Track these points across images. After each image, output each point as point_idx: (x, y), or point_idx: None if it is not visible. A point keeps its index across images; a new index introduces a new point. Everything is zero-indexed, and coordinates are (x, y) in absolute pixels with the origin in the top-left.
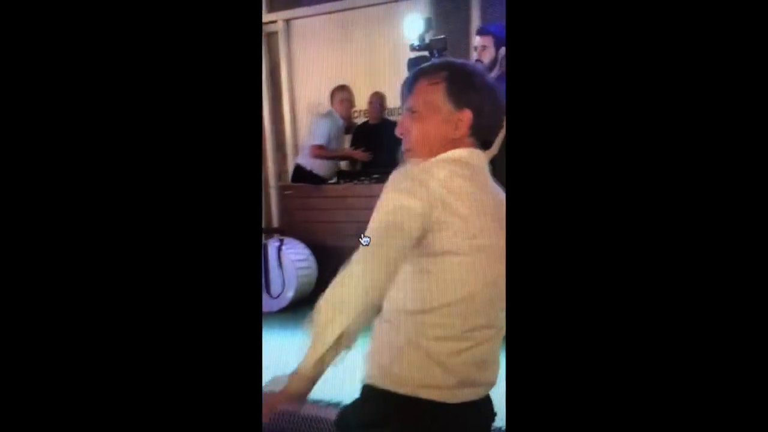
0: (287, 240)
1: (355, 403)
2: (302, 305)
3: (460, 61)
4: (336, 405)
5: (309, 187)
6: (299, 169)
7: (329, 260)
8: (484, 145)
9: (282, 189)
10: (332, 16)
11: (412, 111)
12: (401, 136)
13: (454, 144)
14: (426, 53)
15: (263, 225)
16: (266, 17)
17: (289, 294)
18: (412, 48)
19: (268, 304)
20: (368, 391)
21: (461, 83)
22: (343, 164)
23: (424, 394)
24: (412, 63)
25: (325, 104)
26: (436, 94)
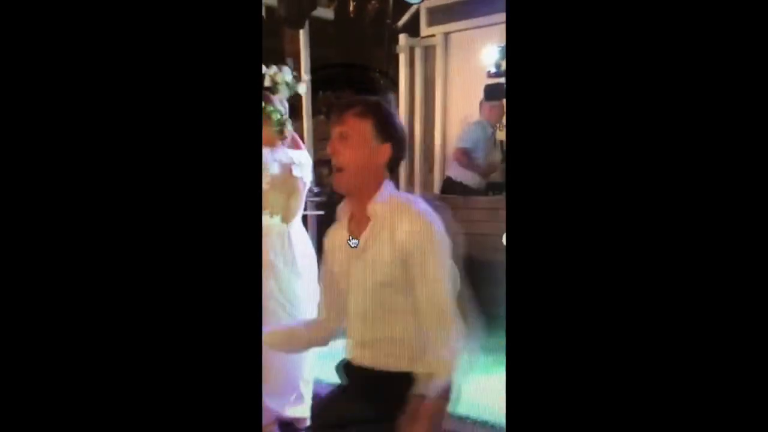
0: None
1: None
2: None
3: (379, 99)
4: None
5: (458, 199)
6: (449, 181)
7: (474, 274)
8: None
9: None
10: (492, 28)
11: (343, 136)
12: (331, 155)
13: (377, 169)
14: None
15: None
16: (425, 31)
17: None
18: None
19: None
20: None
21: (386, 120)
22: (496, 176)
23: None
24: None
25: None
26: (365, 126)
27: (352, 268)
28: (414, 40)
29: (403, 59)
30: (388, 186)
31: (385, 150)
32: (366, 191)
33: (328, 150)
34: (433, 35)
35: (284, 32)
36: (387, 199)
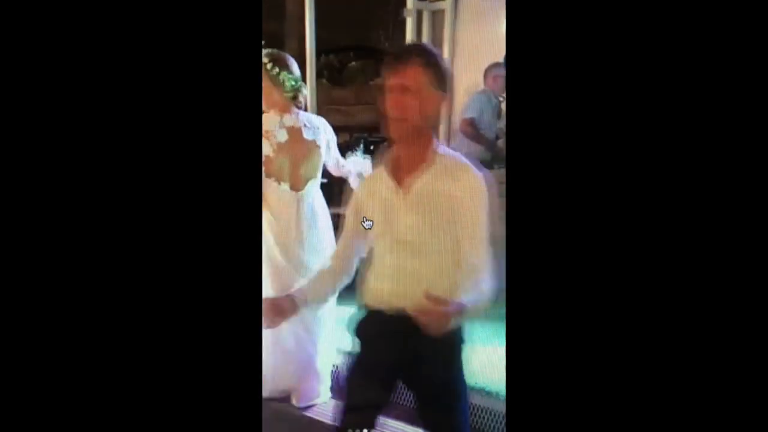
0: None
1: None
2: None
3: (436, 50)
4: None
5: None
6: None
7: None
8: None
9: None
10: None
11: (405, 88)
12: (392, 108)
13: (435, 118)
14: None
15: None
16: None
17: None
18: None
19: None
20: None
21: (443, 71)
22: (500, 148)
23: None
24: None
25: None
26: (427, 77)
27: (396, 208)
28: (422, 4)
29: (410, 24)
30: (440, 143)
31: (440, 99)
32: (423, 139)
33: (388, 104)
34: None
35: None
36: (446, 152)
